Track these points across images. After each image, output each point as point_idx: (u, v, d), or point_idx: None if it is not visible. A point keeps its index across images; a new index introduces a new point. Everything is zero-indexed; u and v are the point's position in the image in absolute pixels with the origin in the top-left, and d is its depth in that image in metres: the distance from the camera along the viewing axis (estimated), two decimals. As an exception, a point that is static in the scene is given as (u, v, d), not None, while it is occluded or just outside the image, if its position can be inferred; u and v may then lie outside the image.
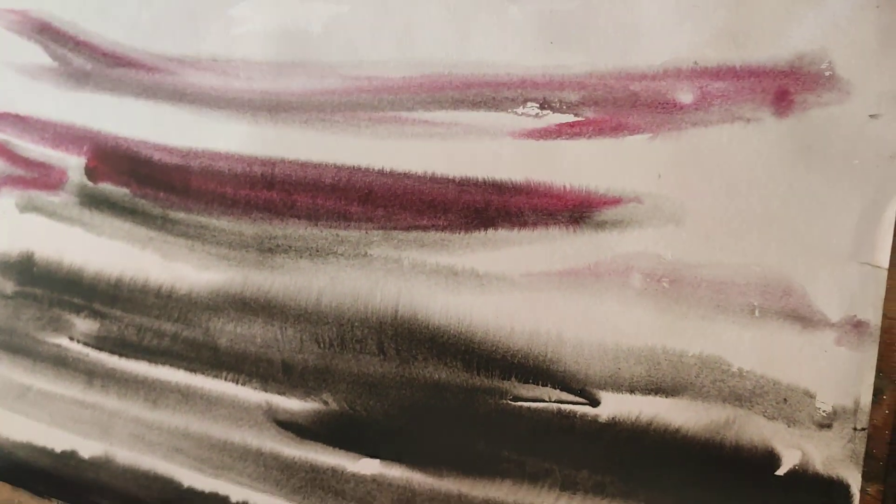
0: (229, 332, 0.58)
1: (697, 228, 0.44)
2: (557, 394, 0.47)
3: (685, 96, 0.44)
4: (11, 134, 0.65)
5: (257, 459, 0.57)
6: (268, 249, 0.56)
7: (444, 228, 0.51)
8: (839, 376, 0.41)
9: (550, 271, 0.48)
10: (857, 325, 0.40)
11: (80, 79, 0.61)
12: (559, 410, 0.47)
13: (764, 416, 0.42)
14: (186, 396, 0.60)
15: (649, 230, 0.45)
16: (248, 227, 0.57)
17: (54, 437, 0.65)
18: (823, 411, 0.41)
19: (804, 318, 0.41)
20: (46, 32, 0.62)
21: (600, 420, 0.46)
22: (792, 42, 0.41)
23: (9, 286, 0.67)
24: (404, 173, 0.52)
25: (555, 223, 0.47)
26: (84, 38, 0.61)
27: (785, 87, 0.42)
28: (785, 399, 0.42)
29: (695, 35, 0.43)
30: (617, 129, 0.46)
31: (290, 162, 0.55)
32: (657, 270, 0.45)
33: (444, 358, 0.50)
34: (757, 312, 0.42)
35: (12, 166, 0.65)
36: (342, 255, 0.54)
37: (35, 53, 0.63)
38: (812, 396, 0.41)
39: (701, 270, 0.44)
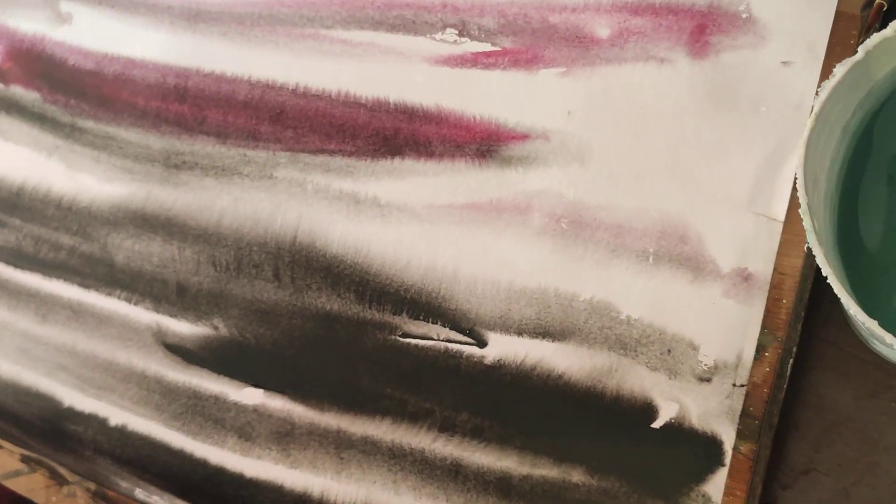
0: (127, 248, 0.56)
1: (601, 169, 0.42)
2: (446, 332, 0.45)
3: (602, 31, 0.42)
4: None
5: (141, 382, 0.54)
6: (174, 165, 0.54)
7: (351, 154, 0.49)
8: (724, 330, 0.39)
9: (453, 205, 0.46)
10: (747, 278, 0.39)
11: (-1, -27, 0.59)
12: (446, 350, 0.45)
13: (647, 366, 0.41)
14: (77, 313, 0.57)
15: (554, 168, 0.43)
16: (155, 141, 0.55)
17: (-61, 346, 0.62)
18: (705, 365, 0.40)
19: (696, 268, 0.40)
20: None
21: (485, 362, 0.44)
22: (715, -14, 0.40)
23: (-87, 189, 0.64)
24: (317, 94, 0.50)
25: (461, 155, 0.45)
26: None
27: (701, 28, 0.40)
28: (669, 350, 0.40)
29: (620, -28, 0.42)
30: (532, 62, 0.44)
31: (205, 75, 0.53)
32: (557, 210, 0.43)
33: (337, 288, 0.49)
34: (651, 259, 0.41)
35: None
36: (248, 175, 0.52)
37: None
38: (696, 349, 0.40)
39: (601, 213, 0.42)
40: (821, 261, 0.28)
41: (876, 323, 0.28)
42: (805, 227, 0.28)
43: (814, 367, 0.41)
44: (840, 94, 0.29)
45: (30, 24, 0.59)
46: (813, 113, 0.28)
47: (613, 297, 0.42)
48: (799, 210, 0.28)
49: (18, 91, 0.59)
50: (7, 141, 0.60)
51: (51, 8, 0.58)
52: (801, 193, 0.28)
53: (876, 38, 0.28)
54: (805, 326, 0.40)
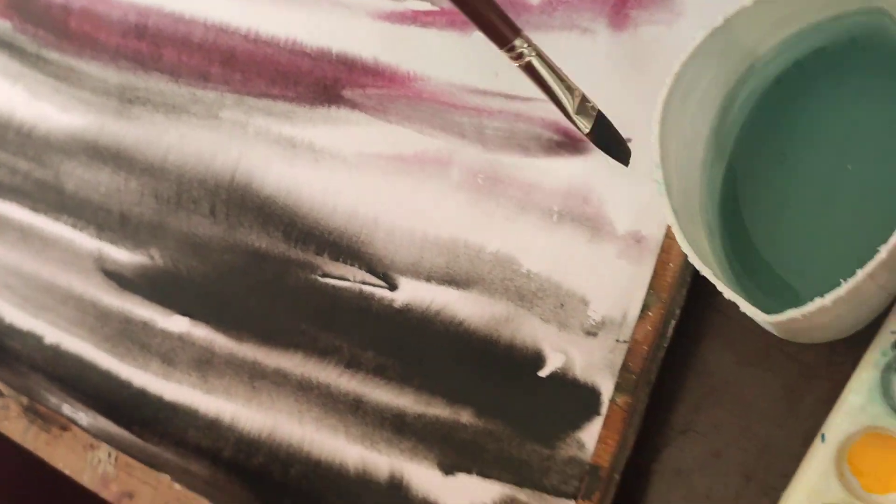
0: (77, 177, 0.58)
1: (518, 129, 0.44)
2: (362, 275, 0.47)
3: (532, -1, 0.44)
4: None
5: (78, 304, 0.57)
6: (128, 100, 0.56)
7: (292, 100, 0.51)
8: (614, 288, 0.41)
9: (381, 155, 0.48)
10: (640, 241, 0.41)
11: None
12: (360, 291, 0.47)
13: (541, 318, 0.43)
14: (25, 235, 0.59)
15: (475, 126, 0.45)
16: (113, 76, 0.57)
17: None
18: (593, 320, 0.41)
19: (595, 228, 0.42)
20: None
21: (395, 304, 0.46)
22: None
23: None
24: (266, 41, 0.52)
25: (394, 109, 0.47)
26: None
27: (623, 1, 0.42)
28: (562, 304, 0.42)
29: (555, -57, 0.44)
30: (467, 23, 0.46)
31: (165, 14, 0.55)
32: (476, 165, 0.45)
33: (267, 227, 0.51)
34: (555, 217, 0.43)
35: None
36: (195, 114, 0.54)
37: None
38: (586, 304, 0.42)
39: (515, 170, 0.44)
40: (669, 216, 0.30)
41: (728, 290, 0.30)
42: (655, 180, 0.30)
43: (701, 333, 0.43)
44: (706, 61, 0.31)
45: (6, -45, 0.61)
46: (672, 73, 0.30)
47: (517, 252, 0.44)
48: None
49: (-10, 18, 0.61)
50: (-25, 66, 0.62)
51: (26, -60, 0.60)
52: (654, 148, 0.30)
53: (735, 6, 0.30)
54: (695, 293, 0.42)
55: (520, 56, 0.38)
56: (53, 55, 0.59)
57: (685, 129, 0.33)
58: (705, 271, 0.29)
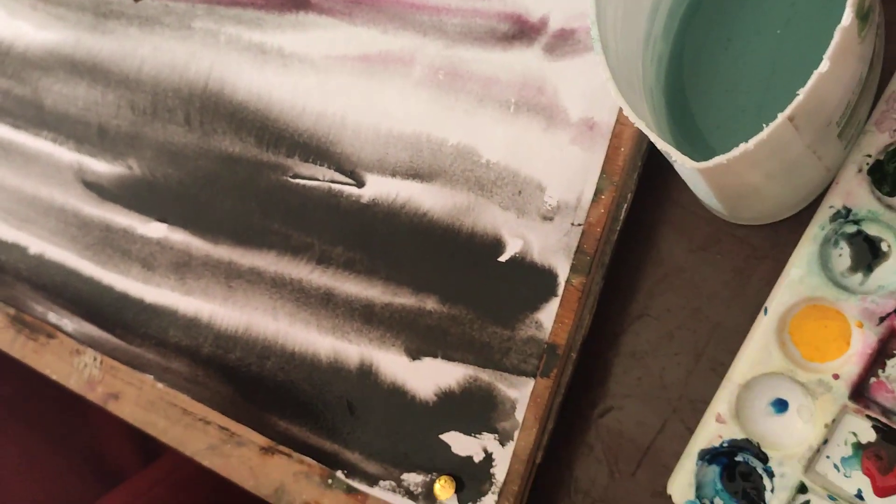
0: (56, 92, 0.59)
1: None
2: (331, 174, 0.49)
3: None
4: None
5: (59, 216, 0.58)
6: (102, 14, 0.57)
7: (261, 7, 0.52)
8: (569, 174, 0.43)
9: (346, 56, 0.49)
10: (592, 127, 0.42)
11: None
12: (329, 189, 0.49)
13: (500, 206, 0.44)
14: (7, 151, 0.61)
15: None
16: (87, -9, 0.58)
17: None
18: (549, 205, 0.43)
19: (549, 117, 0.43)
20: None
21: (362, 200, 0.48)
22: None
23: None
24: (234, -50, 0.52)
25: (359, 11, 0.48)
26: None
27: None
28: (520, 191, 0.44)
29: None
30: (426, -77, 0.47)
31: (134, -72, 0.56)
32: (436, 62, 0.46)
33: (240, 133, 0.52)
34: (512, 108, 0.44)
35: None
36: (168, 25, 0.55)
37: None
38: (542, 190, 0.43)
39: (473, 65, 0.45)
40: (604, 71, 0.31)
41: (661, 140, 0.31)
42: (594, 48, 0.31)
43: (656, 223, 0.45)
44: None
45: None
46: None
47: (477, 143, 0.45)
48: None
49: (-35, -62, 0.62)
50: (-48, -14, 0.63)
51: None
52: (591, 18, 0.31)
53: None
54: (649, 185, 0.44)
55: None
56: (28, -27, 0.60)
57: (629, 6, 0.35)
58: (639, 123, 0.30)
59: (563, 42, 0.43)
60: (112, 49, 0.57)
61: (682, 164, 0.30)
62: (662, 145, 0.30)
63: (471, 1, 0.46)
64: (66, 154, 0.58)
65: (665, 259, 0.45)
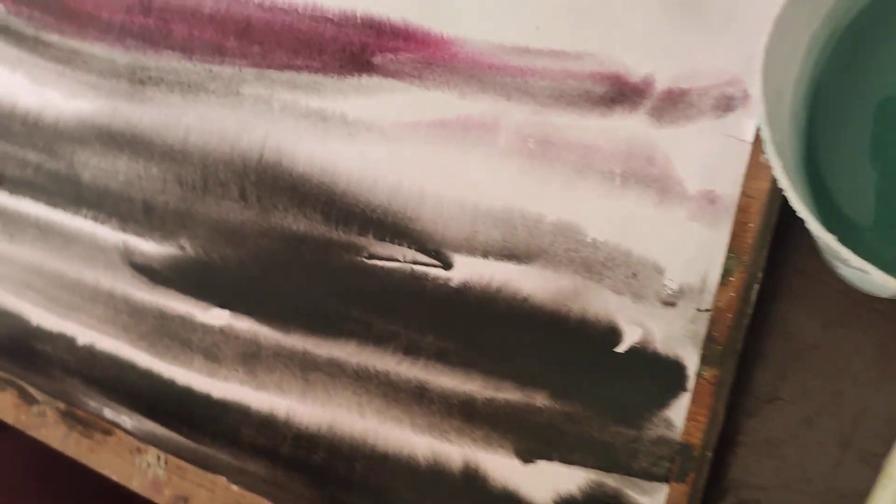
0: (93, 166, 0.54)
1: (571, 87, 0.41)
2: (412, 254, 0.45)
3: (575, -59, 0.40)
4: None
5: (108, 301, 0.54)
6: (139, 81, 0.53)
7: (318, 70, 0.47)
8: (690, 253, 0.38)
9: (420, 123, 0.44)
10: (714, 201, 0.38)
11: None
12: (412, 271, 0.45)
13: (612, 289, 0.40)
14: (44, 232, 0.56)
15: (523, 86, 0.42)
16: (121, 56, 0.53)
17: None
18: (670, 289, 0.39)
19: (663, 190, 0.39)
20: None
21: (451, 284, 0.44)
22: None
23: None
24: (283, 8, 0.48)
25: (430, 73, 0.44)
26: None
27: (678, -63, 0.38)
28: (634, 273, 0.39)
29: None
30: (503, -26, 0.42)
31: (169, -14, 0.51)
32: (525, 129, 0.42)
33: (304, 208, 0.48)
34: (618, 180, 0.40)
35: None
36: (214, 92, 0.50)
37: None
38: (661, 272, 0.39)
39: (569, 132, 0.41)
40: (778, 173, 0.27)
41: (834, 238, 0.27)
42: (763, 138, 0.27)
43: (782, 295, 0.40)
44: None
45: (-10, -68, 0.57)
46: (776, 16, 0.27)
47: (579, 219, 0.41)
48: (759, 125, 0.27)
49: (-20, 2, 0.57)
50: (-30, 55, 0.58)
51: (10, -87, 0.56)
52: (758, 103, 0.27)
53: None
54: (774, 253, 0.39)
55: None
56: (53, 37, 0.55)
57: (778, 77, 0.30)
58: (821, 232, 0.26)
59: (673, 106, 0.39)
60: (153, 118, 0.52)
61: (885, 283, 0.26)
62: (859, 262, 0.26)
63: (560, 60, 0.41)
64: (109, 234, 0.54)
65: (795, 335, 0.40)
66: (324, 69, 0.47)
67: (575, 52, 0.41)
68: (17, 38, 0.56)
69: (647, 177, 0.39)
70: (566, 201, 0.41)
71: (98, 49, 0.54)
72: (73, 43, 0.54)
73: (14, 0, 0.56)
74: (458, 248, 0.43)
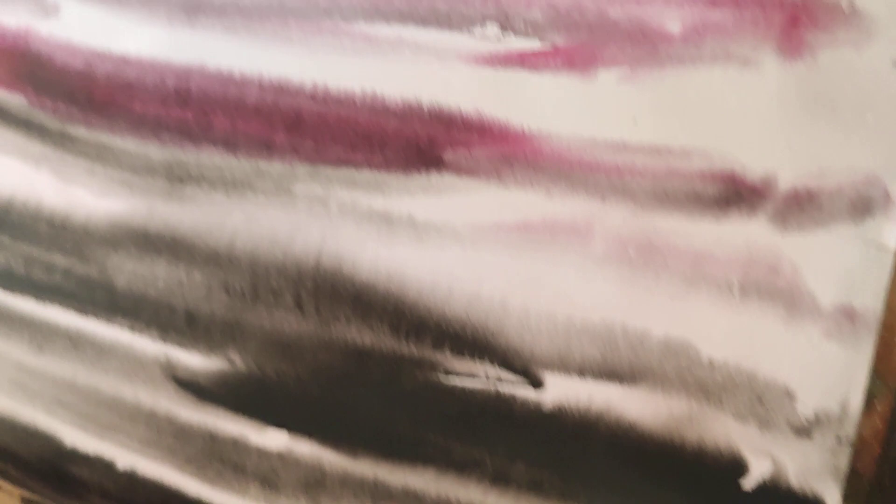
0: (129, 271, 0.50)
1: (675, 187, 0.37)
2: (496, 371, 0.40)
3: (673, 25, 0.36)
4: None
5: (150, 421, 0.49)
6: (178, 178, 0.48)
7: (380, 167, 0.43)
8: (826, 376, 0.34)
9: (500, 225, 0.40)
10: (852, 316, 0.34)
11: (-28, -38, 0.52)
12: (497, 391, 0.40)
13: (734, 415, 0.36)
14: (76, 343, 0.52)
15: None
16: (156, 151, 0.49)
17: (-74, 377, 0.57)
18: (803, 416, 0.34)
19: (791, 304, 0.35)
20: None
21: (543, 406, 0.39)
22: (806, -31, 0.34)
23: None
24: (337, 99, 0.44)
25: (509, 170, 0.40)
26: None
27: (794, 22, 0.34)
28: (759, 398, 0.35)
29: (692, -46, 0.36)
30: (588, 62, 0.38)
31: (209, 75, 0.47)
32: (623, 234, 0.37)
33: (369, 320, 0.43)
34: (737, 293, 0.35)
35: None
36: (262, 190, 0.46)
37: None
38: (792, 397, 0.35)
39: (675, 237, 0.37)
40: None
41: None
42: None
43: (923, 411, 0.36)
44: None
45: (12, 17, 0.52)
46: None
47: (692, 336, 0.36)
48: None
49: (1, 94, 0.53)
50: (-10, 151, 0.54)
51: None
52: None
53: None
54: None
55: None
56: (80, 131, 0.51)
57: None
58: None
59: (799, 209, 0.35)
60: (194, 219, 0.48)
61: None
62: None
63: (662, 158, 0.37)
64: (149, 346, 0.49)
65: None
66: (387, 165, 0.43)
67: (680, 149, 0.36)
68: (40, 132, 0.52)
69: (771, 289, 0.35)
70: (675, 315, 0.37)
71: (131, 143, 0.49)
72: (103, 137, 0.50)
73: (36, 91, 0.52)
74: (550, 366, 0.39)
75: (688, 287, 0.36)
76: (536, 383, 0.39)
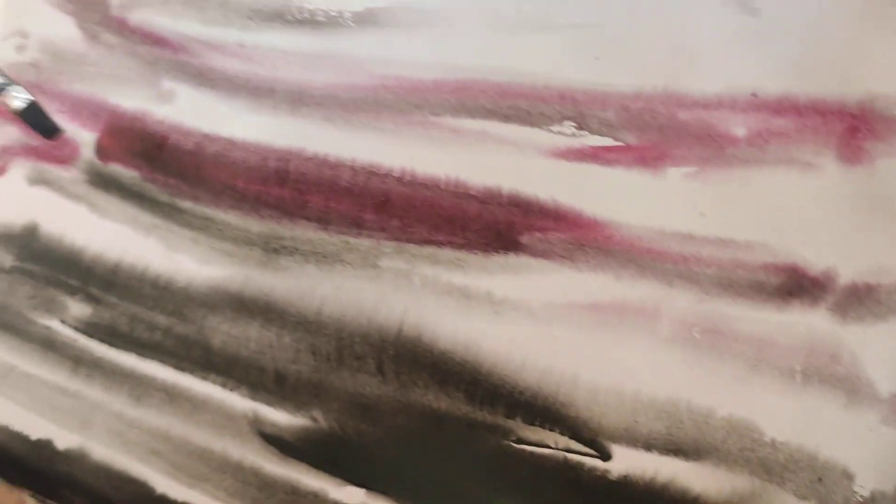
0: (224, 332, 0.54)
1: (739, 276, 0.39)
2: (565, 441, 0.43)
3: (738, 130, 0.40)
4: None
5: (236, 473, 0.53)
6: (273, 250, 0.53)
7: (461, 247, 0.47)
8: (883, 459, 0.36)
9: (573, 305, 0.43)
10: (912, 405, 0.36)
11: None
12: (565, 460, 0.43)
13: (795, 494, 0.38)
14: (171, 396, 0.56)
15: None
16: (255, 225, 0.53)
17: (32, 424, 0.61)
18: (861, 496, 0.36)
19: (851, 390, 0.37)
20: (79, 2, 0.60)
21: (610, 476, 0.42)
22: (864, 81, 0.37)
23: (8, 260, 0.64)
24: (423, 183, 0.48)
25: (582, 255, 0.43)
26: (114, 12, 0.59)
27: (853, 132, 0.38)
28: (820, 478, 0.37)
29: (755, 63, 0.39)
30: (658, 159, 0.42)
31: (307, 158, 0.52)
32: (689, 317, 0.40)
33: (446, 387, 0.46)
34: (799, 378, 0.38)
35: (28, 135, 0.63)
36: (350, 263, 0.50)
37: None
38: (850, 478, 0.36)
39: (739, 323, 0.39)
40: None
41: None
42: None
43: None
44: None
45: (131, 102, 0.58)
46: None
47: (755, 417, 0.39)
48: None
49: (117, 169, 0.59)
50: (105, 218, 0.59)
51: (153, 86, 0.57)
52: None
53: None
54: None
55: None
56: (187, 204, 0.56)
57: None
58: None
59: (858, 302, 0.37)
60: (286, 287, 0.52)
61: None
62: None
63: (728, 249, 0.40)
64: (239, 402, 0.53)
65: None
66: (467, 246, 0.47)
67: (745, 242, 0.40)
68: (151, 204, 0.57)
69: (831, 376, 0.37)
70: (739, 396, 0.39)
71: (232, 217, 0.54)
72: (208, 210, 0.55)
73: (148, 168, 0.58)
74: (617, 439, 0.42)
75: (751, 370, 0.39)
76: (605, 455, 0.42)
